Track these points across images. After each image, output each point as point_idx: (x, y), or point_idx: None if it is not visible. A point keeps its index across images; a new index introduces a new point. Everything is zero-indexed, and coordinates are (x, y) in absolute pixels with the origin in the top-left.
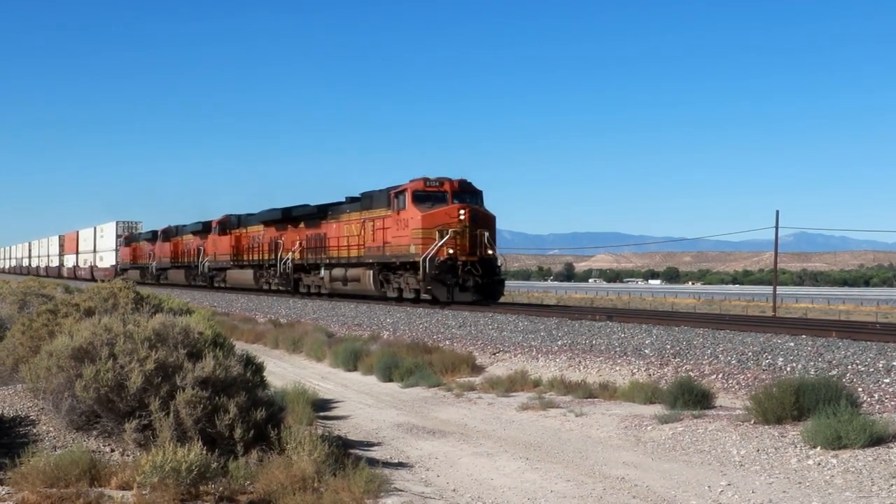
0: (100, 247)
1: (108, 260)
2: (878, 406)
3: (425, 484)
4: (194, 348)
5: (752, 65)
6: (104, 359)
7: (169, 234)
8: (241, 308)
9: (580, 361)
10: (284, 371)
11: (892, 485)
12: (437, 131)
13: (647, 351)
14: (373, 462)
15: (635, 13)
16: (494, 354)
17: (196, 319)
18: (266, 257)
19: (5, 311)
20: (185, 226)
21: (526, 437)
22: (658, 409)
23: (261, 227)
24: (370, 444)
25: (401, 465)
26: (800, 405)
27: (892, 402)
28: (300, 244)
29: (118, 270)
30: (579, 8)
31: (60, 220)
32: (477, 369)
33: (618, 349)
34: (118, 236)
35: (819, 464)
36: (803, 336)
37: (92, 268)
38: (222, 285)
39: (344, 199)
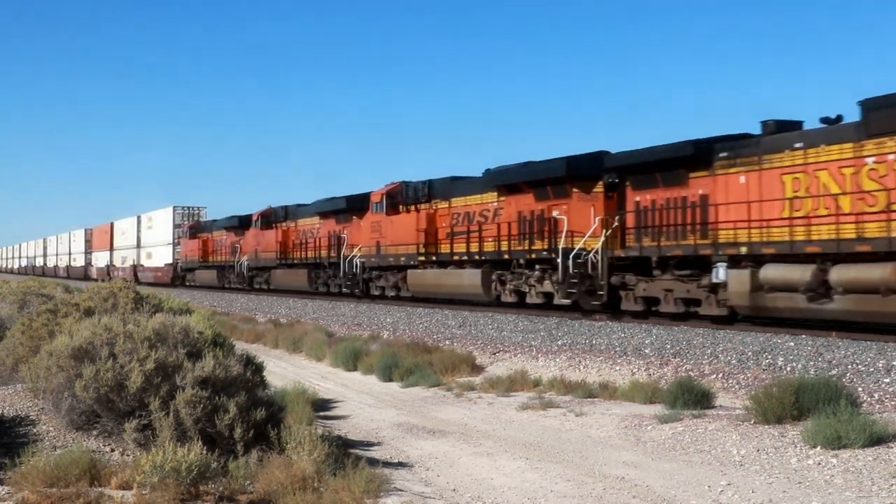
0: (147, 240)
1: (160, 257)
2: (878, 406)
3: (425, 484)
4: (194, 348)
5: None
6: (104, 358)
7: (245, 222)
8: (241, 308)
9: (580, 361)
10: (284, 371)
11: (892, 484)
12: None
13: (647, 351)
14: (373, 462)
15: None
16: (494, 354)
17: (196, 319)
18: (324, 255)
19: (5, 310)
20: (214, 221)
21: (526, 436)
22: (658, 408)
23: (316, 219)
24: (370, 444)
25: (401, 464)
26: (800, 405)
27: (892, 402)
28: (374, 238)
29: (179, 270)
30: None
31: (67, 216)
32: (477, 369)
33: (618, 349)
34: (177, 226)
35: (819, 463)
36: (803, 336)
37: (135, 267)
38: (265, 287)
39: (430, 181)
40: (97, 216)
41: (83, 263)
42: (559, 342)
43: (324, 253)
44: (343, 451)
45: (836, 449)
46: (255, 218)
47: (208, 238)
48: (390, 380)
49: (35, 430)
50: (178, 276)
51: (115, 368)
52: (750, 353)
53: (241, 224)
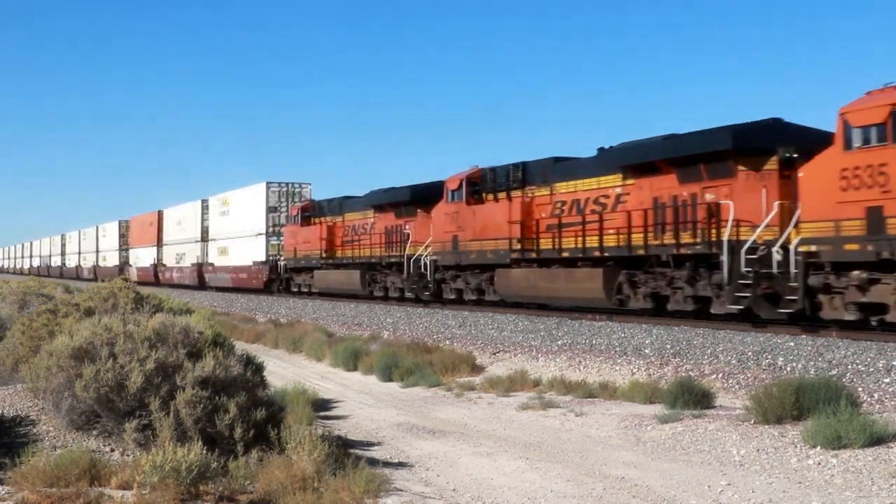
0: (221, 230)
1: (245, 252)
2: (878, 406)
3: (425, 484)
4: (194, 348)
5: None
6: (104, 358)
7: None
8: (241, 308)
9: (580, 361)
10: (284, 371)
11: (892, 484)
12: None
13: (647, 351)
14: (373, 462)
15: None
16: (494, 354)
17: (196, 319)
18: (381, 253)
19: (5, 310)
20: (348, 198)
21: (526, 436)
22: (658, 408)
23: (369, 212)
24: (370, 444)
25: (401, 464)
26: (800, 405)
27: (892, 402)
28: (450, 233)
29: (280, 271)
30: None
31: (66, 217)
32: (477, 369)
33: (618, 349)
34: (271, 209)
35: (819, 463)
36: (803, 336)
37: (200, 267)
38: (305, 291)
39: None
40: (102, 215)
41: (117, 262)
42: (559, 342)
43: (381, 251)
44: (343, 451)
45: (836, 449)
46: (293, 212)
47: (336, 224)
48: (390, 380)
49: (35, 430)
50: (277, 278)
51: (115, 368)
52: (750, 353)
53: (413, 199)
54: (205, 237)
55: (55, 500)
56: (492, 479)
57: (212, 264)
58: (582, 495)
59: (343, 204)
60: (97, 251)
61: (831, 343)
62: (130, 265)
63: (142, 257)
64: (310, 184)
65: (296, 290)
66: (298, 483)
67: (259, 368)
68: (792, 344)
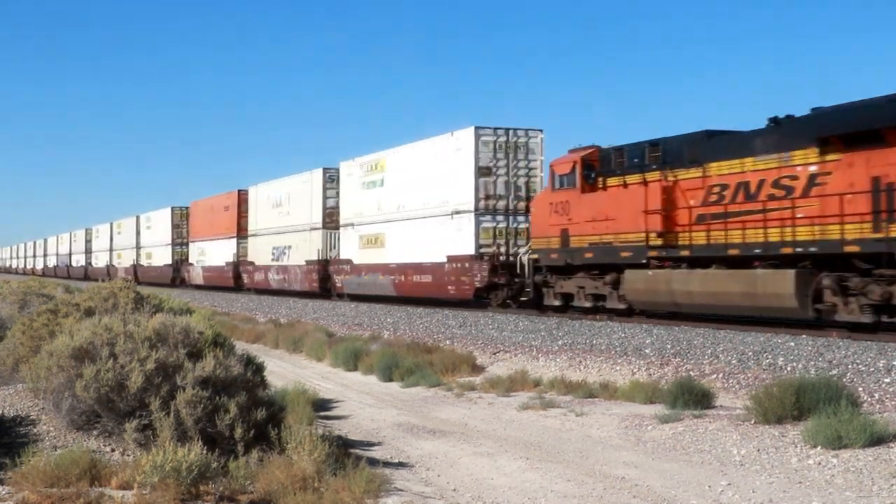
0: (364, 209)
1: (425, 242)
2: (878, 406)
3: (425, 484)
4: (195, 348)
5: None
6: (104, 359)
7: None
8: (241, 308)
9: (580, 361)
10: (285, 371)
11: (892, 484)
12: None
13: (647, 351)
14: (373, 462)
15: None
16: (495, 354)
17: (196, 319)
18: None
19: (6, 310)
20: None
21: (526, 436)
22: (658, 408)
23: (809, 152)
24: (370, 444)
25: (401, 464)
26: (800, 405)
27: (893, 402)
28: (558, 226)
29: (527, 270)
30: None
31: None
32: (477, 369)
33: (618, 349)
34: (482, 171)
35: (819, 463)
36: (803, 336)
37: (323, 266)
38: (591, 308)
39: None
40: (104, 214)
41: (168, 261)
42: (559, 342)
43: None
44: (343, 451)
45: (837, 449)
46: (560, 170)
47: (686, 182)
48: (391, 380)
49: (35, 430)
50: (506, 283)
51: (115, 368)
52: (750, 353)
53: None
54: (330, 221)
55: (55, 500)
56: (492, 479)
57: (348, 261)
58: (582, 495)
59: (702, 146)
60: (137, 247)
61: (832, 343)
62: (191, 263)
63: (210, 253)
64: (541, 130)
65: (558, 303)
66: (299, 483)
67: (259, 368)
68: (792, 344)
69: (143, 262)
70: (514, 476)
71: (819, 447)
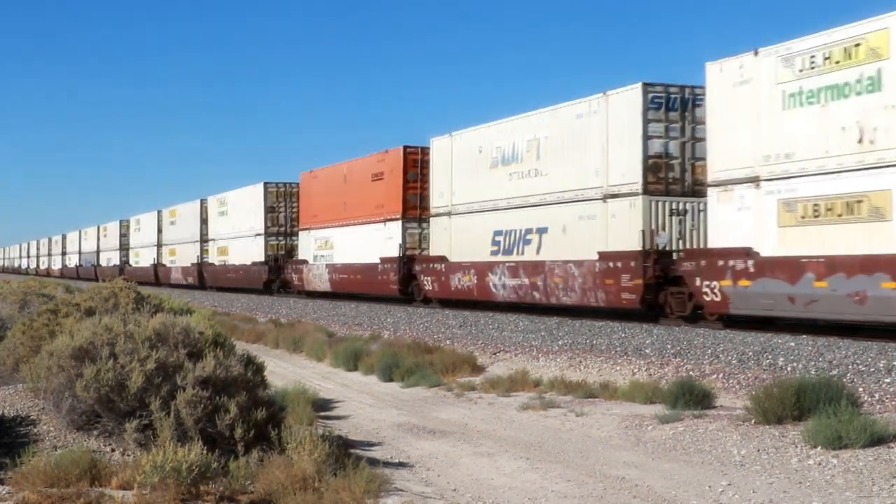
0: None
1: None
2: (878, 406)
3: (426, 484)
4: (195, 348)
5: None
6: (105, 359)
7: None
8: (241, 308)
9: (580, 361)
10: (285, 371)
11: (892, 485)
12: None
13: (647, 350)
14: (373, 462)
15: None
16: (495, 354)
17: (196, 319)
18: None
19: (6, 310)
20: None
21: (526, 436)
22: (658, 408)
23: None
24: (371, 444)
25: (401, 464)
26: (800, 405)
27: (893, 402)
28: None
29: None
30: None
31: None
32: (477, 369)
33: (618, 349)
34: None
35: (820, 464)
36: (804, 336)
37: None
38: None
39: None
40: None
41: (257, 257)
42: (560, 342)
43: None
44: (344, 451)
45: (837, 449)
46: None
47: None
48: (391, 380)
49: (35, 430)
50: None
51: (115, 368)
52: (750, 353)
53: None
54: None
55: (56, 500)
56: (492, 479)
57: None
58: (582, 495)
59: None
60: (203, 240)
61: (832, 343)
62: (303, 261)
63: (346, 244)
64: None
65: None
66: (299, 483)
67: (259, 368)
68: (792, 344)
69: (214, 259)
70: (514, 476)
71: (819, 447)
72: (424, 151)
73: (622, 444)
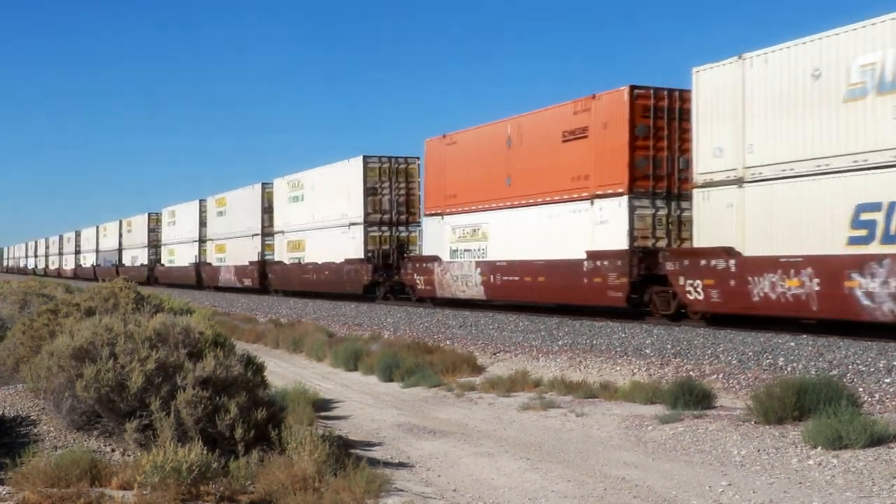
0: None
1: None
2: (878, 406)
3: (426, 484)
4: (195, 348)
5: None
6: (105, 359)
7: None
8: (241, 308)
9: (581, 361)
10: (285, 371)
11: (892, 485)
12: None
13: (647, 351)
14: (373, 462)
15: None
16: (495, 354)
17: (197, 319)
18: None
19: (6, 310)
20: None
21: (526, 437)
22: (659, 409)
23: None
24: (371, 444)
25: (401, 465)
26: (801, 405)
27: (893, 402)
28: None
29: None
30: None
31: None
32: (478, 369)
33: (618, 349)
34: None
35: (820, 464)
36: (804, 336)
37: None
38: None
39: None
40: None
41: (356, 253)
42: (560, 342)
43: None
44: (344, 452)
45: (837, 449)
46: None
47: None
48: (391, 380)
49: (36, 430)
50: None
51: (115, 368)
52: (751, 353)
53: None
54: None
55: (56, 501)
56: (492, 479)
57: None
58: (583, 496)
59: None
60: (264, 233)
61: (832, 343)
62: (435, 259)
63: (510, 231)
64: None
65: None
66: (299, 483)
67: (260, 368)
68: (793, 344)
69: (283, 255)
70: (514, 476)
71: (819, 447)
72: (659, 95)
73: (622, 444)
